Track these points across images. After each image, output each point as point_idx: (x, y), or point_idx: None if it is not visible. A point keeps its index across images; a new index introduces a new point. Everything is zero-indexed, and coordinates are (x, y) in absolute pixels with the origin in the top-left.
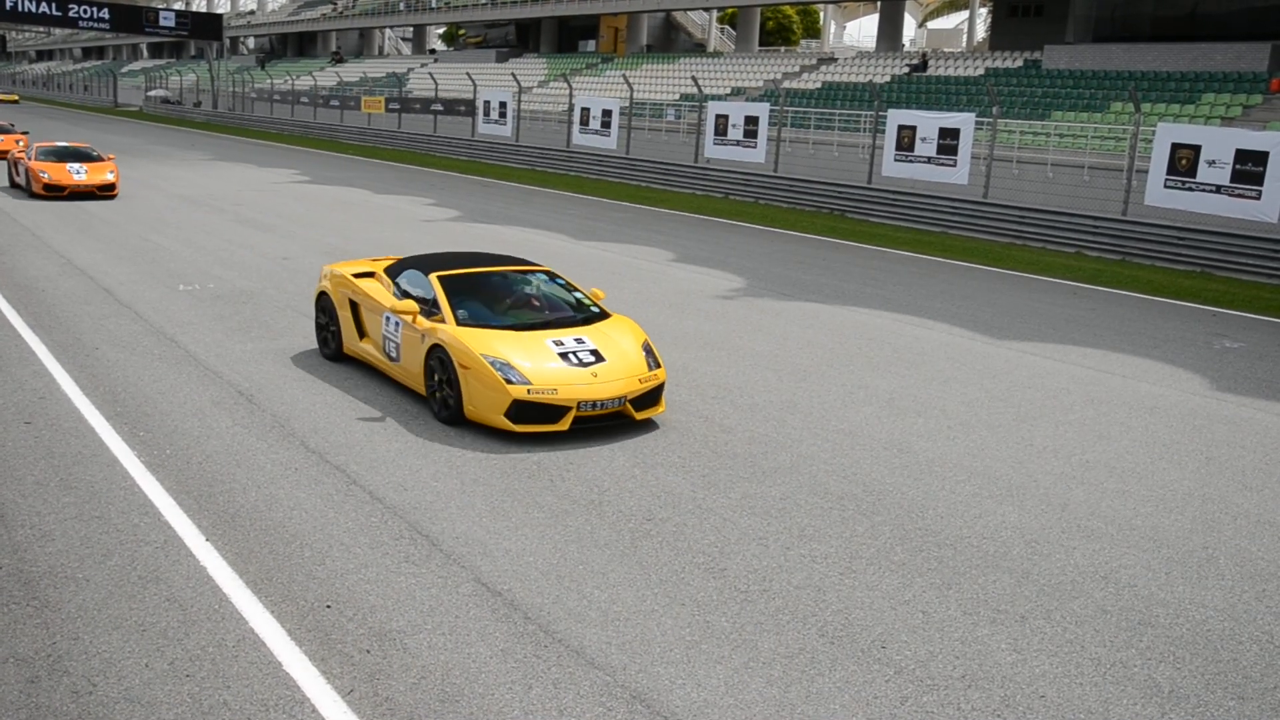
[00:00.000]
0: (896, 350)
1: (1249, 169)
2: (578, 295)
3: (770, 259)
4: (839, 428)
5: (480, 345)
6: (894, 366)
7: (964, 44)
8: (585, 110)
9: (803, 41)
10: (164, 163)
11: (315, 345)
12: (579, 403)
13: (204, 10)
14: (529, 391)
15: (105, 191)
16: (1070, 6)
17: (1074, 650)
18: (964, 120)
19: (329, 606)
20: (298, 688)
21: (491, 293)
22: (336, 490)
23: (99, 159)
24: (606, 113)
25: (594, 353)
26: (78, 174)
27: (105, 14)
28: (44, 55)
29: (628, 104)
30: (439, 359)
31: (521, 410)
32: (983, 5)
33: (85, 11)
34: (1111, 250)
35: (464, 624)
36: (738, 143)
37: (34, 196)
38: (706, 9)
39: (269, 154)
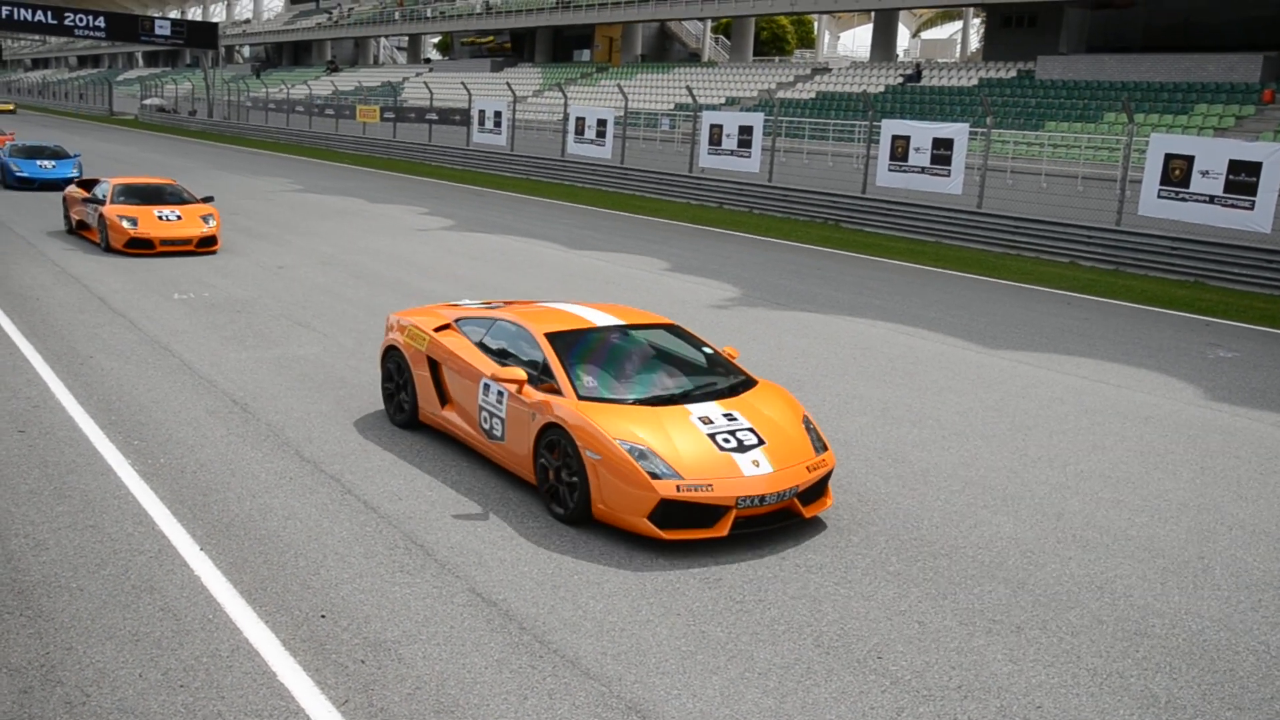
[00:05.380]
0: (891, 360)
1: (1242, 179)
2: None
3: (765, 268)
4: (834, 437)
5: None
6: (888, 376)
7: (957, 54)
8: (580, 120)
9: (797, 51)
10: (158, 171)
11: (309, 353)
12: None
13: (200, 19)
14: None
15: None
16: (1063, 17)
17: (1070, 660)
18: (958, 130)
19: (323, 616)
20: (292, 698)
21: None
22: (331, 500)
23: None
24: (601, 122)
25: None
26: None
27: (101, 23)
28: (39, 63)
29: (622, 113)
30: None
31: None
32: (976, 16)
33: (81, 20)
34: (1105, 260)
35: (459, 634)
36: (732, 152)
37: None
38: (701, 19)
39: (264, 163)
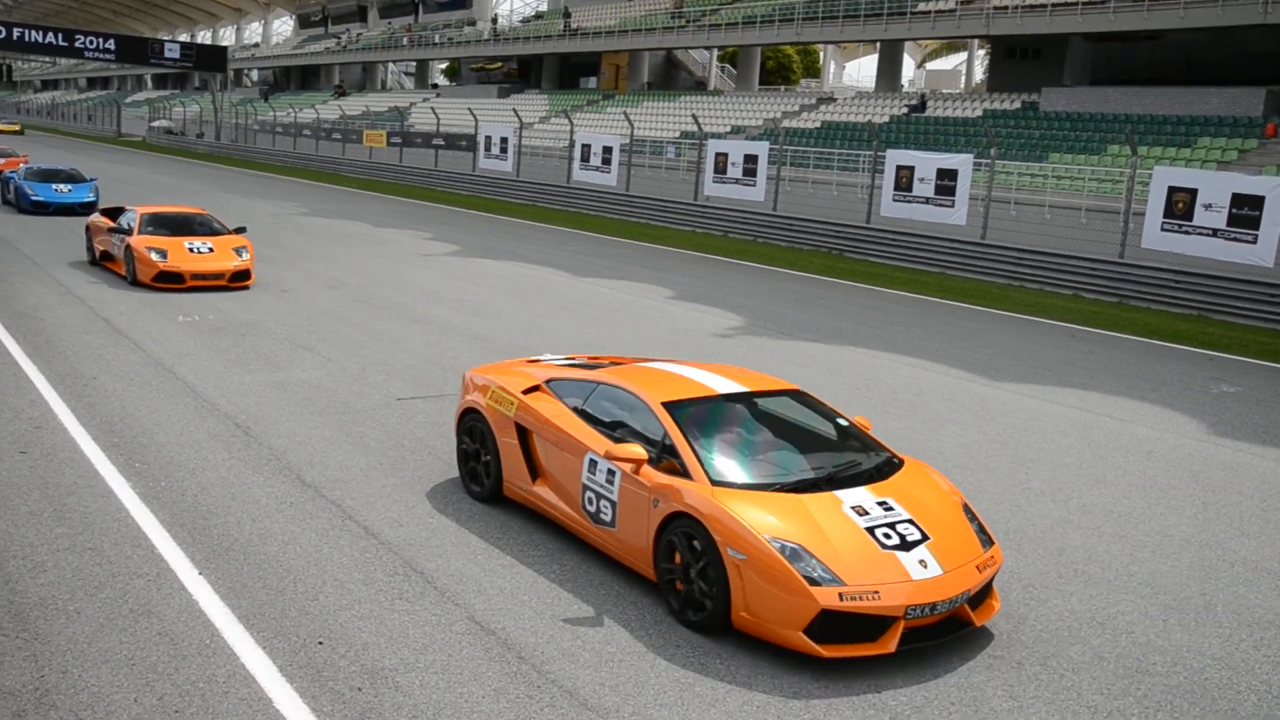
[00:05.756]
0: (894, 391)
1: (1245, 213)
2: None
3: (768, 297)
4: None
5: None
6: (891, 407)
7: (962, 85)
8: (586, 146)
9: (802, 81)
10: (165, 194)
11: (313, 377)
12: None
13: (208, 42)
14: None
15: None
16: (1068, 49)
17: (1070, 698)
18: (962, 161)
19: (321, 643)
20: None
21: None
22: (331, 525)
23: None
24: (607, 149)
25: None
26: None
27: (111, 45)
28: (49, 85)
29: (628, 141)
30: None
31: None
32: (981, 47)
33: (91, 42)
34: (1109, 292)
35: (457, 663)
36: (737, 181)
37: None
38: (708, 48)
39: (270, 186)
